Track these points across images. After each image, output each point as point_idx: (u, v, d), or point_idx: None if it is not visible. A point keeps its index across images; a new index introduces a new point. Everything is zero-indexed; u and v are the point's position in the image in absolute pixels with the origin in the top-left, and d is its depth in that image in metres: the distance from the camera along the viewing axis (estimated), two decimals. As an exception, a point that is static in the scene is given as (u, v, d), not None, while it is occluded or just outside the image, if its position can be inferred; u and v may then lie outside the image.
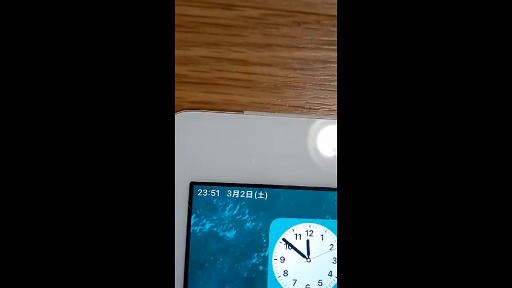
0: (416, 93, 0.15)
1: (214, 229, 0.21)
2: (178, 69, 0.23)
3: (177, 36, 0.23)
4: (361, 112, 0.15)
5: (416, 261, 0.14)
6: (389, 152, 0.15)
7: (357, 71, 0.15)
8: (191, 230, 0.21)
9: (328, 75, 0.23)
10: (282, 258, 0.21)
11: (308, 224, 0.21)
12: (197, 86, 0.23)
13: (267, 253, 0.21)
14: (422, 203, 0.15)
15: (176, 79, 0.22)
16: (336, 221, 0.21)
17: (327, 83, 0.23)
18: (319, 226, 0.21)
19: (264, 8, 0.23)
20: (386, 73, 0.15)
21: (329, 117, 0.22)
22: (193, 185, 0.21)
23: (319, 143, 0.22)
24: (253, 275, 0.21)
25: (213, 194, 0.21)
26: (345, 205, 0.15)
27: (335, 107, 0.23)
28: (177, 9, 0.23)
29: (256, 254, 0.21)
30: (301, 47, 0.23)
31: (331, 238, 0.21)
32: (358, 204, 0.15)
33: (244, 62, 0.23)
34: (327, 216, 0.21)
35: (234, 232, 0.21)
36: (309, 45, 0.23)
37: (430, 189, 0.15)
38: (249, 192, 0.21)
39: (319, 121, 0.22)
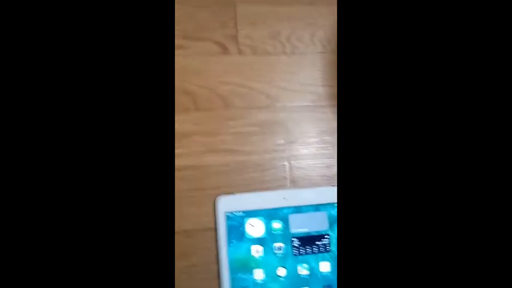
0: (414, 110, 0.15)
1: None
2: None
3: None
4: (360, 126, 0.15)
5: (414, 265, 0.14)
6: (388, 162, 0.15)
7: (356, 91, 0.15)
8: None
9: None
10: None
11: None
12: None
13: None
14: (420, 211, 0.14)
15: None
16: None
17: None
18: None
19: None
20: (384, 90, 0.15)
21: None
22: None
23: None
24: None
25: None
26: (344, 209, 0.15)
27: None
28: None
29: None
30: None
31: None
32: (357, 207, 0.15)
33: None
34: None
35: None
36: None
37: (428, 197, 0.14)
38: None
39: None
